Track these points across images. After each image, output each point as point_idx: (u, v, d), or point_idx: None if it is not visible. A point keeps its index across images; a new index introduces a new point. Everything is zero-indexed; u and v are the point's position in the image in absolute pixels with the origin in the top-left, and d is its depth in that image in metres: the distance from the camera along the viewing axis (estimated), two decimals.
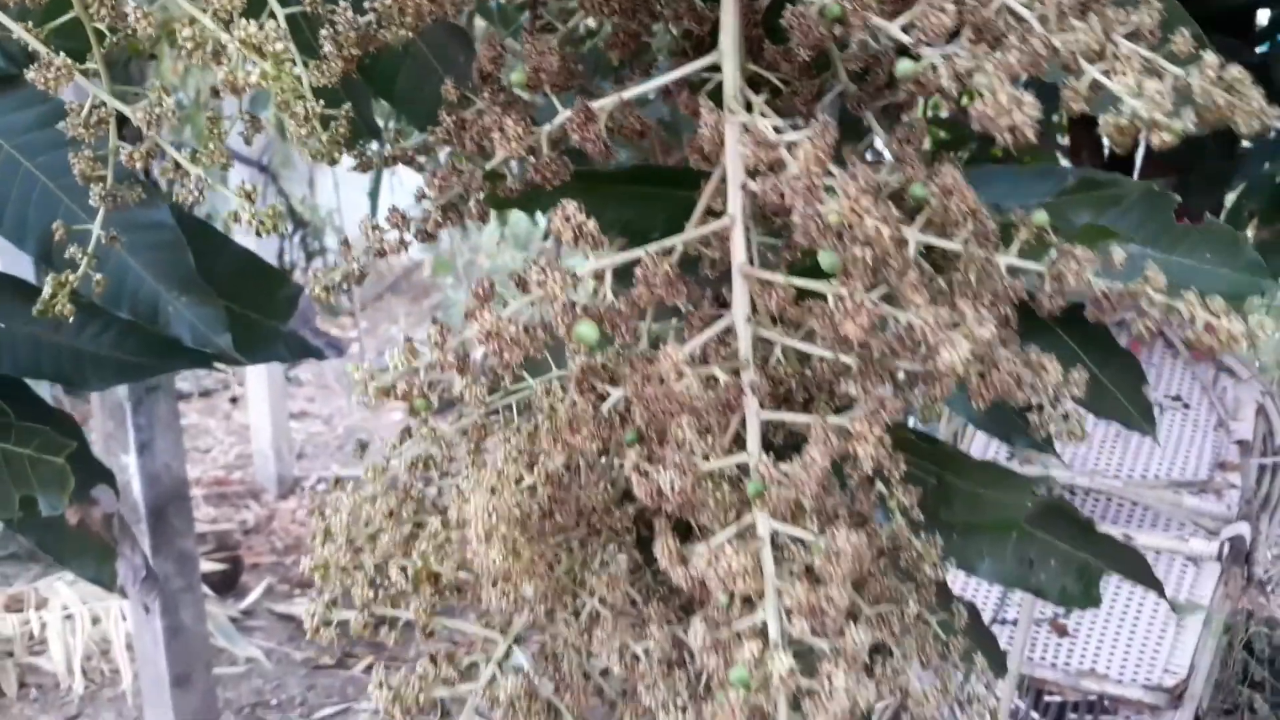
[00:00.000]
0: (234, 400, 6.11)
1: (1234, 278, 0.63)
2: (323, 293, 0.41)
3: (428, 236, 0.43)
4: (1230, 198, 2.39)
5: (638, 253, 0.39)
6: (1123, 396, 0.66)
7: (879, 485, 0.47)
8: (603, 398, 0.41)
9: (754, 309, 0.40)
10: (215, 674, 2.59)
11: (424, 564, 0.45)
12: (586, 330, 0.37)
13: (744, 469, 0.38)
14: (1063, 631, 2.39)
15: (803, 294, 0.40)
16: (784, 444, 0.44)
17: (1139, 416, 0.66)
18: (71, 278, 0.46)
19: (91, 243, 0.48)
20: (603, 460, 0.48)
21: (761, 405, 0.39)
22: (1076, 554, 0.59)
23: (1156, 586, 0.61)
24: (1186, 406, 2.50)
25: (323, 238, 6.04)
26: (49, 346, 0.65)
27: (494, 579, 0.41)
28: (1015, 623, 2.33)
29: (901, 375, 0.39)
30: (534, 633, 0.51)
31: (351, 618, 0.49)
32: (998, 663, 0.60)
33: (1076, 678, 2.29)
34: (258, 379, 4.63)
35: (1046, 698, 2.38)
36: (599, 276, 0.38)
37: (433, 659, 0.51)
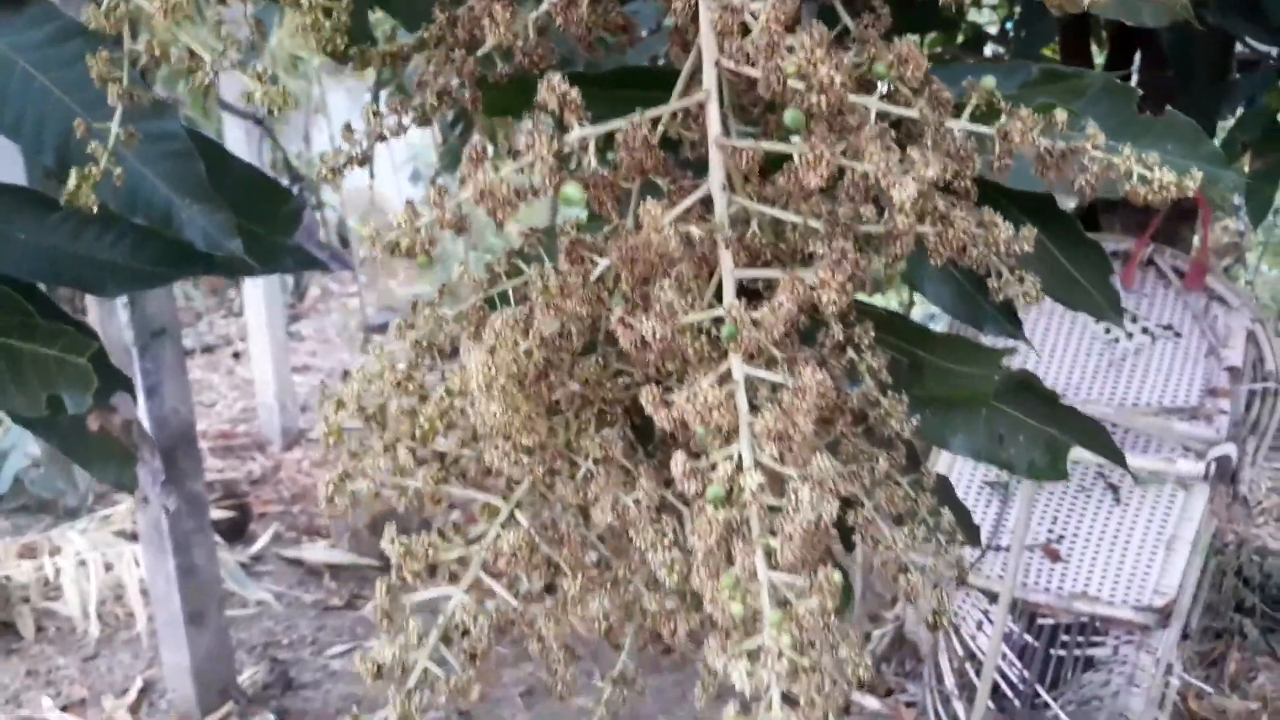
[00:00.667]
0: (236, 355, 6.15)
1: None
2: (330, 174, 0.44)
3: (425, 120, 0.46)
4: (1224, 129, 2.40)
5: (620, 122, 0.42)
6: (1091, 287, 0.69)
7: (850, 353, 0.50)
8: (591, 266, 0.44)
9: (730, 181, 0.44)
10: (227, 616, 2.66)
11: (430, 428, 0.49)
12: (572, 190, 0.41)
13: (719, 323, 0.42)
14: (1055, 556, 2.45)
15: (773, 166, 0.44)
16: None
17: (1107, 306, 0.70)
18: (94, 170, 0.49)
19: (110, 140, 0.51)
20: (592, 337, 0.52)
21: (736, 265, 0.42)
22: (1044, 428, 0.63)
23: (1118, 458, 0.65)
24: (1178, 335, 2.54)
25: (319, 191, 6.03)
26: (68, 255, 0.69)
27: (494, 431, 0.44)
28: (1008, 549, 2.38)
29: (864, 236, 0.43)
30: (533, 502, 0.55)
31: (364, 487, 0.53)
32: (971, 533, 0.64)
33: (1069, 600, 2.35)
34: (260, 333, 4.67)
35: (1039, 620, 2.44)
36: (583, 146, 0.42)
37: (440, 532, 0.55)
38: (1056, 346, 2.56)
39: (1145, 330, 2.54)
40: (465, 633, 0.51)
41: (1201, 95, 2.04)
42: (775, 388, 0.41)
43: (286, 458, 4.60)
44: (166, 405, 2.17)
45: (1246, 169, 2.44)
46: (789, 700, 0.35)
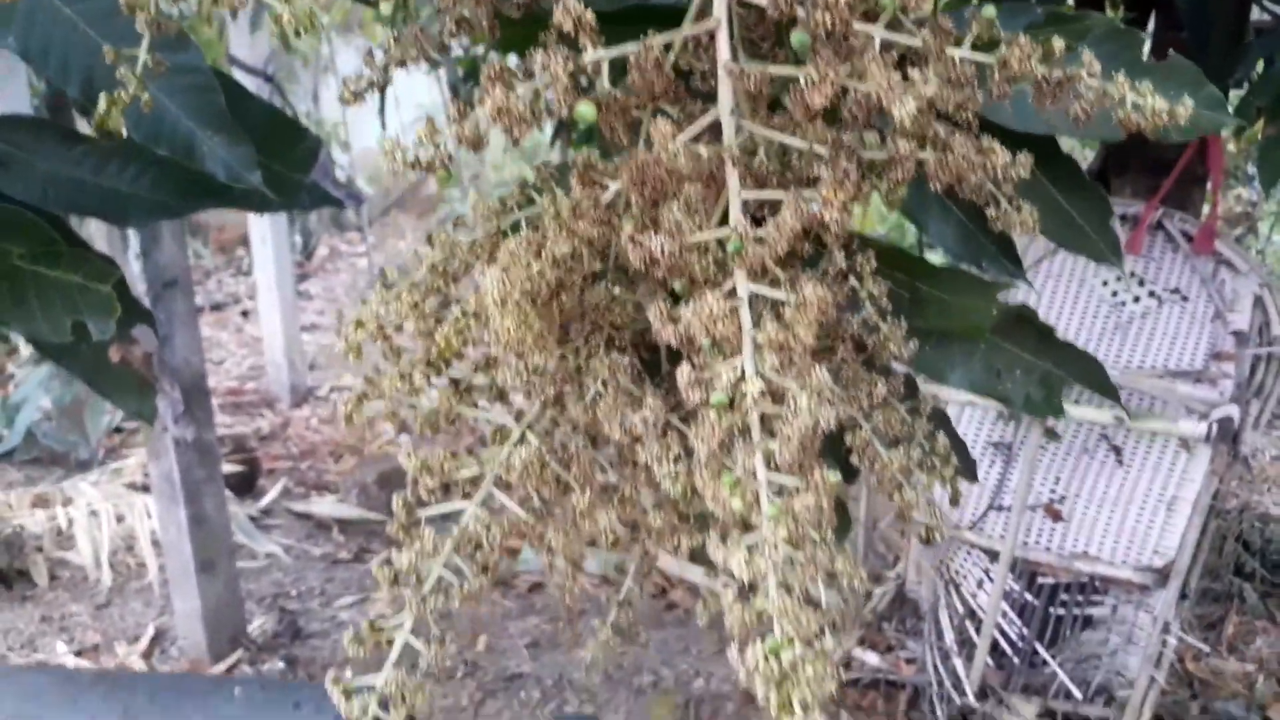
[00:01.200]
0: (245, 314, 6.18)
1: (1197, 113, 0.67)
2: (351, 98, 0.46)
3: (443, 48, 0.47)
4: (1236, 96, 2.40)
5: (633, 45, 0.44)
6: (1091, 230, 0.70)
7: (852, 281, 0.52)
8: (603, 189, 0.46)
9: (738, 108, 0.45)
10: (237, 567, 2.70)
11: (445, 347, 0.51)
12: (586, 109, 0.42)
13: (725, 244, 0.44)
14: (1057, 516, 2.47)
15: (780, 104, 0.45)
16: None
17: (1106, 250, 0.71)
18: (123, 95, 0.51)
19: (139, 66, 0.52)
20: (602, 264, 0.53)
21: (743, 188, 0.44)
22: (1039, 362, 0.64)
23: (1112, 394, 0.66)
24: (1185, 299, 2.54)
25: (329, 150, 6.03)
26: (91, 187, 0.71)
27: (507, 347, 0.46)
28: (1010, 509, 2.41)
29: (868, 163, 0.44)
30: (544, 426, 0.57)
31: (381, 406, 0.55)
32: (967, 464, 0.66)
33: (1069, 560, 2.38)
34: (269, 292, 4.69)
35: (1040, 579, 2.47)
36: (597, 68, 0.43)
37: (453, 453, 0.57)
38: (1063, 310, 2.57)
39: (1152, 294, 2.55)
40: (478, 546, 0.53)
41: (1216, 58, 2.03)
42: (777, 305, 0.43)
43: (295, 415, 4.63)
44: (178, 355, 2.19)
45: (1260, 135, 2.43)
46: (785, 587, 0.37)
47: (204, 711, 0.76)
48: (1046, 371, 0.64)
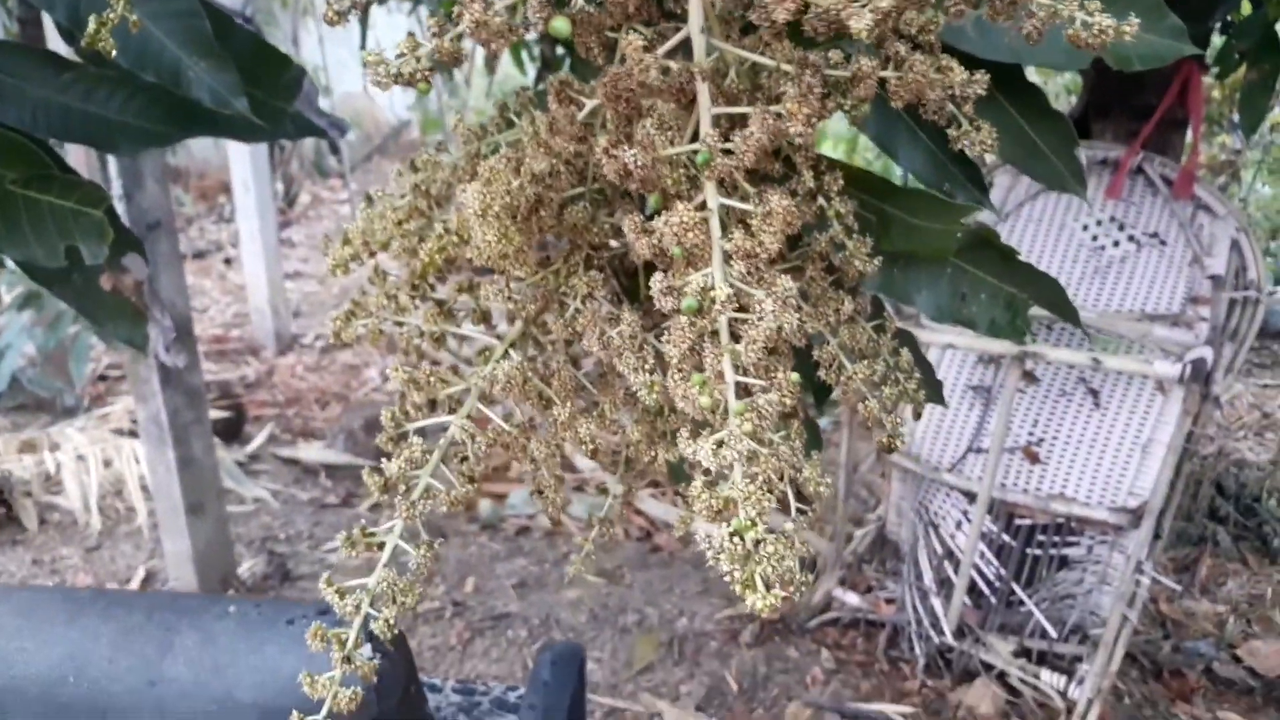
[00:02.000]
0: (228, 261, 6.16)
1: (1158, 42, 0.68)
2: (335, 17, 0.47)
3: None
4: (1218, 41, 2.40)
5: None
6: (1055, 157, 0.72)
7: (820, 200, 0.54)
8: (579, 107, 0.48)
9: (709, 28, 0.47)
10: (226, 511, 2.72)
11: (430, 262, 0.53)
12: (561, 24, 0.44)
13: (695, 156, 0.45)
14: (1034, 458, 2.52)
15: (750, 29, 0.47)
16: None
17: (1070, 177, 0.73)
18: (112, 15, 0.52)
19: None
20: (579, 184, 0.55)
21: (713, 104, 0.46)
22: (1003, 286, 0.67)
23: (1072, 316, 0.69)
24: (1163, 243, 2.57)
25: (312, 80, 5.96)
26: (79, 113, 0.72)
27: (490, 260, 0.48)
28: (988, 451, 2.45)
29: (832, 82, 0.46)
30: (525, 345, 0.59)
31: (367, 325, 0.57)
32: (933, 386, 0.68)
33: (1046, 501, 2.42)
34: (251, 239, 4.68)
35: (1017, 521, 2.52)
36: None
37: (438, 370, 0.59)
38: (1043, 253, 2.60)
39: (1131, 238, 2.57)
40: (464, 457, 0.55)
41: (1197, 3, 2.04)
42: (746, 217, 0.45)
43: (280, 362, 4.64)
44: (163, 297, 2.19)
45: (1242, 80, 2.45)
46: (749, 476, 0.39)
47: (199, 628, 0.79)
48: (1010, 294, 0.66)
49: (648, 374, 0.49)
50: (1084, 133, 2.72)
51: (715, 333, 0.43)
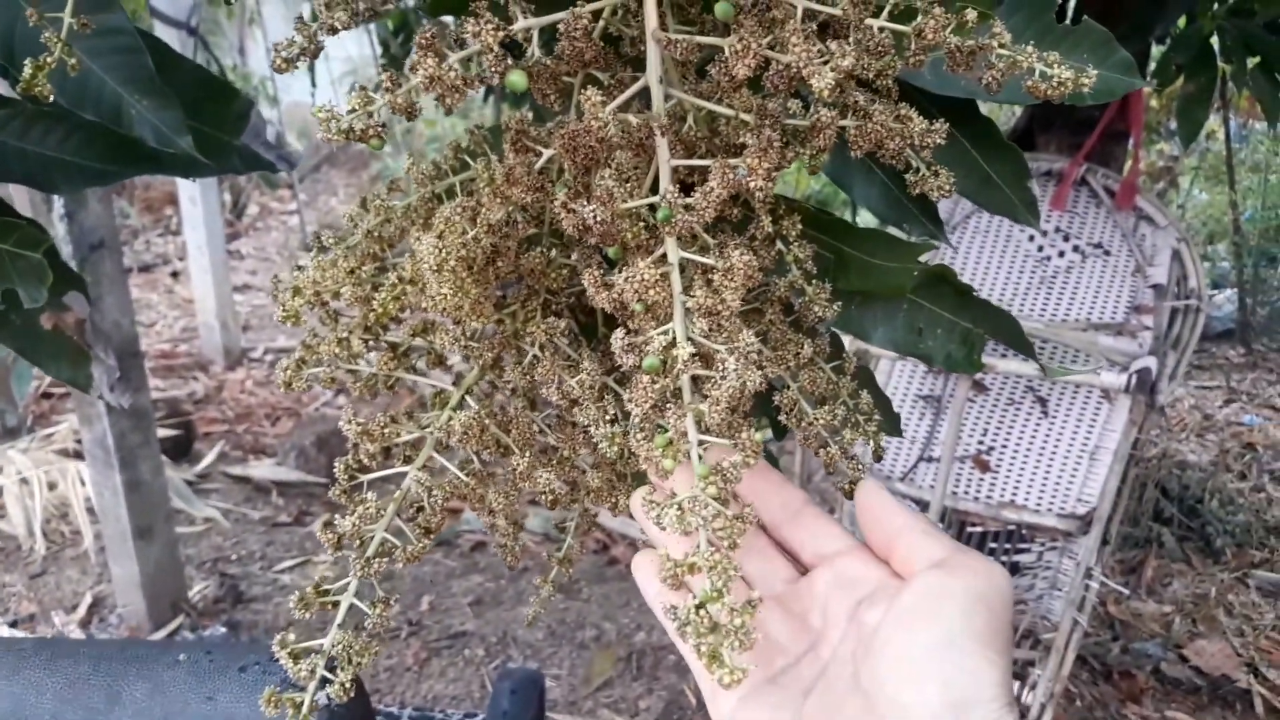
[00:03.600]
0: (175, 274, 6.06)
1: (1108, 76, 0.69)
2: (284, 64, 0.46)
3: (374, 15, 0.47)
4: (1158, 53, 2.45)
5: (562, 14, 0.44)
6: (1009, 190, 0.73)
7: (779, 245, 0.54)
8: (536, 156, 0.47)
9: (667, 76, 0.46)
10: (176, 533, 2.67)
11: (383, 312, 0.52)
12: (517, 78, 0.43)
13: (655, 210, 0.45)
14: (985, 467, 2.55)
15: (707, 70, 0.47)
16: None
17: (1023, 209, 0.74)
18: (49, 59, 0.50)
19: (64, 30, 0.52)
20: (537, 229, 0.54)
21: (672, 155, 0.45)
22: (959, 321, 0.67)
23: (1028, 350, 0.69)
24: (1107, 253, 2.62)
25: (257, 105, 5.90)
26: (15, 152, 0.70)
27: (445, 312, 0.47)
28: (939, 460, 2.47)
29: (792, 131, 0.46)
30: (482, 391, 0.58)
31: (320, 372, 0.56)
32: (890, 419, 0.69)
33: (997, 509, 2.45)
34: (199, 252, 4.60)
35: (969, 528, 2.55)
36: (527, 37, 0.44)
37: (392, 418, 0.58)
38: (990, 264, 2.63)
39: (1076, 249, 2.62)
40: (420, 509, 0.54)
41: (1138, 14, 2.08)
42: (707, 270, 0.44)
43: (230, 378, 4.57)
44: (108, 318, 2.15)
45: (1179, 92, 2.50)
46: (713, 543, 0.39)
47: (148, 678, 0.77)
48: (966, 329, 0.67)
49: (608, 426, 0.48)
50: (1028, 145, 2.76)
51: (678, 391, 0.42)
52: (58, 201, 2.02)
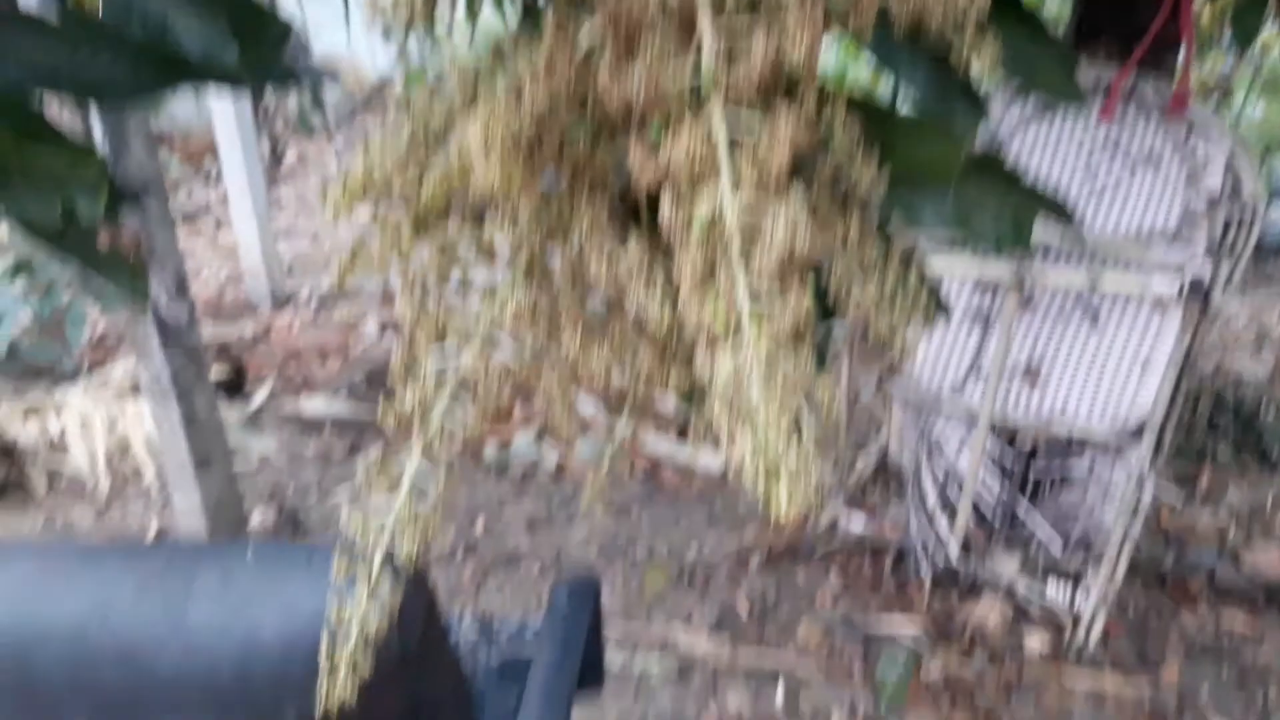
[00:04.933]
0: (217, 223, 6.12)
1: None
2: None
3: None
4: None
5: None
6: (1052, 69, 0.72)
7: (824, 125, 0.54)
8: (578, 35, 0.47)
9: None
10: (233, 466, 2.74)
11: (432, 201, 0.53)
12: None
13: (698, 93, 0.45)
14: (1034, 381, 2.53)
15: None
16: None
17: (1066, 86, 0.73)
18: None
19: None
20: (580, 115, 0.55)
21: (715, 31, 0.45)
22: (1007, 200, 0.67)
23: (1068, 218, 0.69)
24: (1158, 164, 2.56)
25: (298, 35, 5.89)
26: (65, 72, 0.71)
27: (493, 195, 0.48)
28: (988, 375, 2.46)
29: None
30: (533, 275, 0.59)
31: (373, 266, 0.57)
32: (942, 307, 0.69)
33: (1047, 422, 2.44)
34: (241, 199, 4.64)
35: (1018, 442, 2.55)
36: None
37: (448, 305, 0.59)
38: (1038, 179, 2.59)
39: (1126, 160, 2.56)
40: (476, 394, 0.55)
41: None
42: (753, 140, 0.44)
43: (276, 321, 4.64)
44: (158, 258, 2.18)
45: None
46: (767, 390, 0.39)
47: (219, 571, 0.80)
48: (1015, 209, 0.67)
49: (657, 303, 0.49)
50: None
51: (727, 256, 0.43)
52: (102, 145, 2.04)
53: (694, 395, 0.63)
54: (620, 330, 0.56)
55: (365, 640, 0.53)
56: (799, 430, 0.38)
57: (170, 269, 2.16)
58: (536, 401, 0.57)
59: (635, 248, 0.51)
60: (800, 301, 0.42)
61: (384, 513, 0.50)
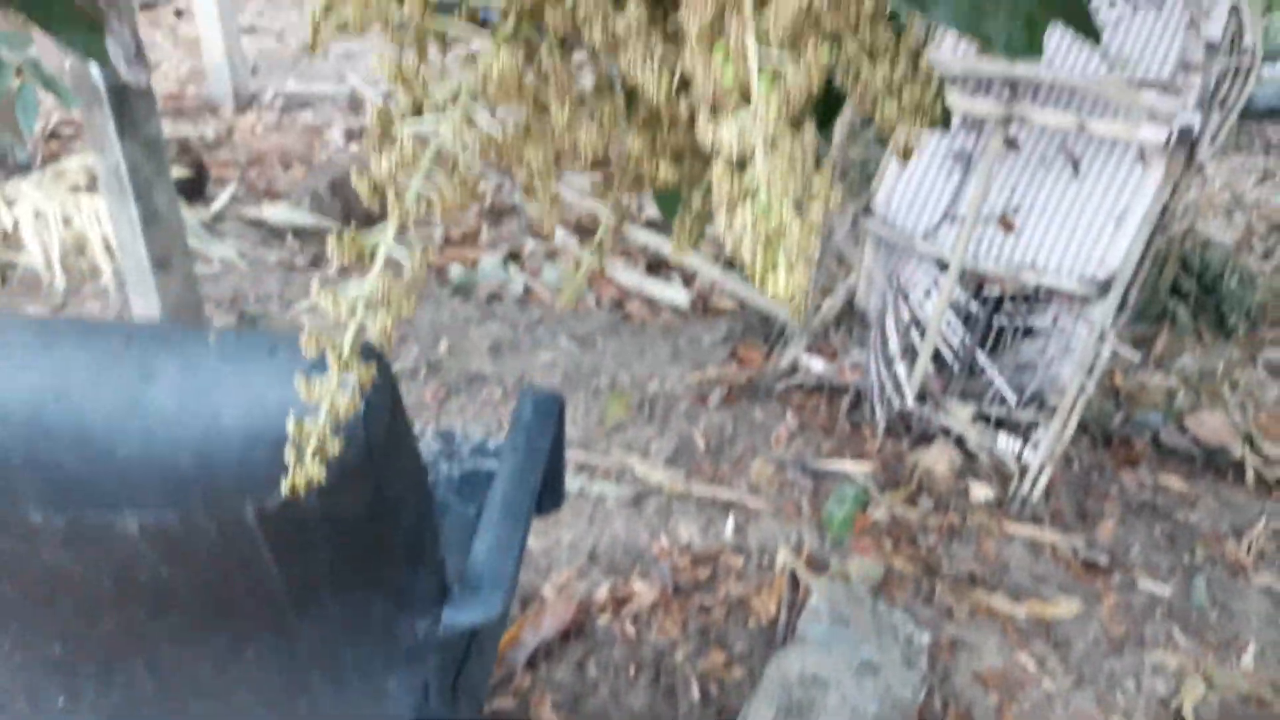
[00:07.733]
0: (179, 13, 5.84)
1: None
2: None
3: None
4: None
5: None
6: None
7: None
8: None
9: None
10: (194, 269, 2.68)
11: None
12: None
13: None
14: (1009, 227, 2.51)
15: None
16: None
17: None
18: None
19: None
20: None
21: None
22: (1023, 4, 0.63)
23: (1093, 34, 0.65)
24: (1160, 6, 2.49)
25: None
26: None
27: None
28: (963, 219, 2.44)
29: None
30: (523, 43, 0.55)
31: (349, 16, 0.52)
32: (945, 112, 0.66)
33: (1017, 271, 2.44)
34: None
35: (985, 290, 2.55)
36: None
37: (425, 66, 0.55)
38: None
39: (1128, 0, 2.48)
40: (455, 165, 0.52)
41: None
42: None
43: (240, 121, 4.48)
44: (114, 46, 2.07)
45: None
46: (775, 155, 0.37)
47: (180, 356, 0.77)
48: (1030, 11, 0.63)
49: (655, 71, 0.46)
50: None
51: (738, 3, 0.39)
52: None
53: (678, 197, 0.60)
54: (611, 110, 0.53)
55: (334, 422, 0.52)
56: (800, 206, 0.36)
57: (127, 33, 2.05)
58: (520, 173, 0.54)
59: (634, 8, 0.47)
60: (816, 64, 0.39)
61: (355, 291, 0.47)
